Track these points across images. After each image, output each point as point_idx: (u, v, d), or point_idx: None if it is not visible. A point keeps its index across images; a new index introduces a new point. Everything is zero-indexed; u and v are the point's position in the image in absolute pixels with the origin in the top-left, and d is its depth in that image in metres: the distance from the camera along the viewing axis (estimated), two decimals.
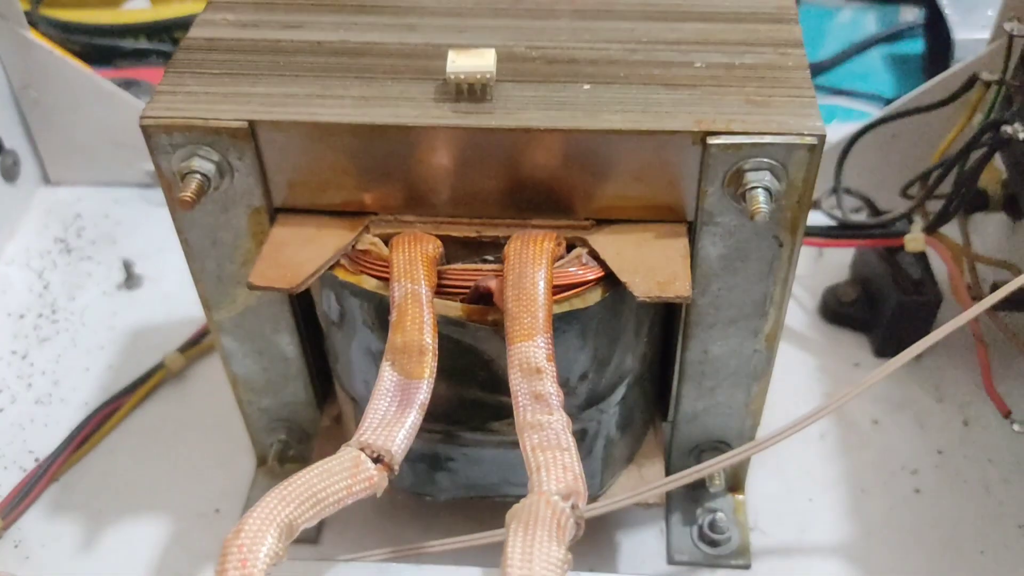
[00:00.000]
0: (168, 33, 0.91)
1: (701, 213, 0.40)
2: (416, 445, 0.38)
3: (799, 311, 0.66)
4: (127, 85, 0.77)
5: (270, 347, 0.48)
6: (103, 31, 0.90)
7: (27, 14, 0.69)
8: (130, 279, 0.69)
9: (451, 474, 0.48)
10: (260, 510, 0.31)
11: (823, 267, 0.69)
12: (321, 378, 0.51)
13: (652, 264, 0.39)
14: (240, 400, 0.52)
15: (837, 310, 0.65)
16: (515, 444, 0.37)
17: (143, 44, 0.90)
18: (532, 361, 0.36)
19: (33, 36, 0.69)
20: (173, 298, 0.67)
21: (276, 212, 0.42)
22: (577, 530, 0.33)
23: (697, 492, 0.54)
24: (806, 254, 0.69)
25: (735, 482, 0.54)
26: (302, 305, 0.47)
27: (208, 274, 0.45)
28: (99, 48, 0.89)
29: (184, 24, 0.91)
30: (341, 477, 0.33)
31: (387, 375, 0.37)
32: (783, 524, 0.54)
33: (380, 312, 0.41)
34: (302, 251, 0.41)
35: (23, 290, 0.69)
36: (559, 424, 0.35)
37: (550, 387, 0.36)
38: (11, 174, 0.73)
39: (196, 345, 0.63)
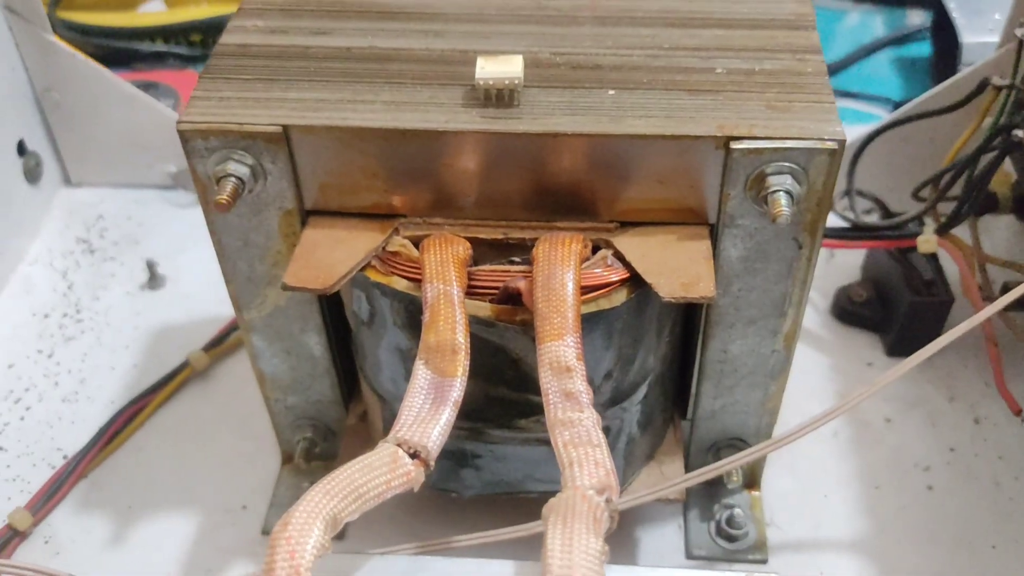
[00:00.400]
0: (184, 36, 0.91)
1: (723, 216, 0.41)
2: None
3: (812, 311, 0.67)
4: (145, 87, 0.78)
5: (298, 346, 0.49)
6: (119, 34, 0.90)
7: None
8: (153, 279, 0.70)
9: (477, 470, 0.49)
10: (306, 504, 0.32)
11: (835, 268, 0.69)
12: (347, 377, 0.52)
13: (676, 265, 0.40)
14: (267, 398, 0.52)
15: (850, 310, 0.66)
16: (540, 441, 0.38)
17: (159, 47, 0.90)
18: (562, 360, 0.37)
19: (55, 39, 0.70)
20: (196, 298, 0.68)
21: (307, 214, 0.43)
22: (611, 523, 0.34)
23: (715, 488, 0.54)
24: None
25: (752, 479, 0.55)
26: (330, 305, 0.48)
27: (239, 275, 0.46)
28: (116, 51, 0.89)
29: (200, 27, 0.91)
30: (380, 472, 0.34)
31: (421, 373, 0.38)
32: (798, 520, 0.55)
33: (411, 312, 0.42)
34: (334, 253, 0.42)
35: (47, 290, 0.70)
36: (589, 421, 0.36)
37: (580, 385, 0.37)
38: (34, 175, 0.74)
39: (220, 344, 0.64)
